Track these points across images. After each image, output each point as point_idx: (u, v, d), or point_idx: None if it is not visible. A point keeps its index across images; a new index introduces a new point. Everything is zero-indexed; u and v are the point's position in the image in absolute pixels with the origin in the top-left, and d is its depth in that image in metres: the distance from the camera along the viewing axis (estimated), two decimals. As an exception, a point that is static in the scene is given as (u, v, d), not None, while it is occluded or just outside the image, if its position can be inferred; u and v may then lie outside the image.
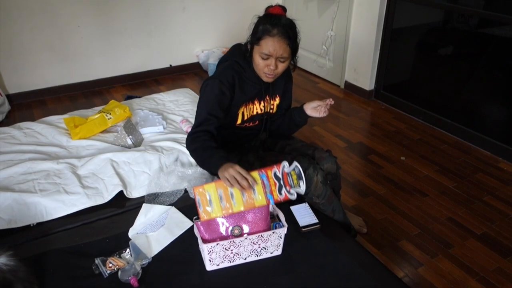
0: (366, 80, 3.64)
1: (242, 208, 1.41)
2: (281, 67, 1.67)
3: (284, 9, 1.66)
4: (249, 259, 1.45)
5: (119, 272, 1.37)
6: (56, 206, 1.73)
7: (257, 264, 1.45)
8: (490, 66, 2.97)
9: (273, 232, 1.43)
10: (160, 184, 1.84)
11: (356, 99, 3.69)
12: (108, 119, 2.29)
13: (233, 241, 1.38)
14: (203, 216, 1.39)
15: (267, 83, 1.77)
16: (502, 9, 2.74)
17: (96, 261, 1.42)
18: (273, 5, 1.67)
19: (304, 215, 1.65)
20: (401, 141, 3.01)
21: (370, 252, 1.61)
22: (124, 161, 2.00)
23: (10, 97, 3.47)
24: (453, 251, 2.05)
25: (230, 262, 1.43)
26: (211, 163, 1.51)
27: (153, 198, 1.80)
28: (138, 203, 1.77)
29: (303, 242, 1.56)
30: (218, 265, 1.42)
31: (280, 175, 1.45)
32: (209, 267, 1.42)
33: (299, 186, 1.45)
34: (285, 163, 1.45)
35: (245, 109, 1.79)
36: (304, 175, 1.68)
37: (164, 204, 1.74)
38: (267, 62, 1.64)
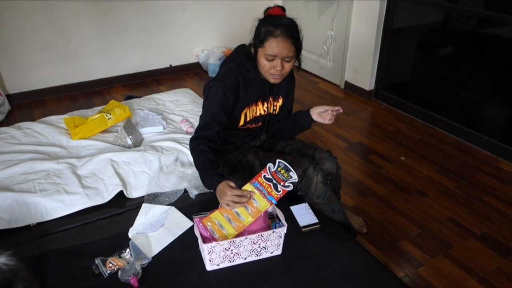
0: (366, 80, 3.64)
1: (250, 219, 1.44)
2: (287, 67, 1.66)
3: (283, 9, 1.65)
4: (249, 259, 1.45)
5: (119, 272, 1.37)
6: (56, 206, 1.73)
7: (257, 264, 1.45)
8: (490, 66, 2.97)
9: (273, 232, 1.43)
10: (160, 184, 1.84)
11: (356, 99, 3.69)
12: (108, 119, 2.29)
13: (233, 241, 1.38)
14: (221, 240, 1.42)
15: (270, 84, 1.77)
16: (502, 9, 2.73)
17: (96, 261, 1.42)
18: (272, 6, 1.67)
19: (304, 215, 1.65)
20: (401, 141, 3.01)
21: (370, 252, 1.61)
22: (124, 161, 2.00)
23: (10, 97, 3.47)
24: (453, 251, 2.05)
25: (230, 262, 1.43)
26: (207, 182, 1.55)
27: (153, 198, 1.80)
28: (138, 203, 1.77)
29: (303, 242, 1.56)
30: (218, 265, 1.42)
31: (270, 176, 1.49)
32: (209, 267, 1.42)
33: (291, 177, 1.49)
34: (270, 165, 1.50)
35: (248, 110, 1.78)
36: (304, 175, 1.69)
37: (163, 204, 1.74)
38: (273, 64, 1.63)
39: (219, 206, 1.71)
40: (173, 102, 2.70)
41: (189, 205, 1.75)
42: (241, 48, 1.77)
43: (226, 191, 1.43)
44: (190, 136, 2.22)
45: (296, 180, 1.50)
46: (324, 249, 1.53)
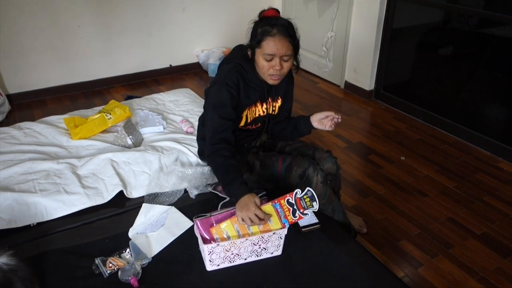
0: (366, 80, 3.64)
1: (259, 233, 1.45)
2: (286, 66, 1.66)
3: (277, 11, 1.67)
4: (249, 259, 1.45)
5: (119, 272, 1.37)
6: (56, 206, 1.73)
7: (257, 264, 1.45)
8: (490, 66, 2.97)
9: (274, 233, 1.43)
10: (160, 184, 1.84)
11: (356, 99, 3.69)
12: (108, 119, 2.29)
13: (233, 242, 1.38)
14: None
15: (269, 85, 1.76)
16: (502, 9, 2.74)
17: (96, 261, 1.42)
18: (266, 8, 1.68)
19: (304, 215, 1.65)
20: (401, 141, 3.01)
21: (370, 252, 1.61)
22: (124, 161, 2.00)
23: (10, 97, 3.47)
24: (453, 251, 2.05)
25: (231, 262, 1.43)
26: (231, 190, 1.50)
27: (153, 198, 1.80)
28: (138, 203, 1.77)
29: (303, 242, 1.56)
30: (218, 265, 1.42)
31: (293, 201, 1.47)
32: (209, 267, 1.42)
33: (312, 206, 1.47)
34: (298, 191, 1.47)
35: (248, 111, 1.78)
36: (304, 176, 1.69)
37: (163, 204, 1.74)
38: (271, 63, 1.63)
39: (219, 206, 1.71)
40: (173, 102, 2.70)
41: (189, 205, 1.75)
42: (239, 49, 1.77)
43: (250, 207, 1.40)
44: (190, 136, 2.24)
45: (316, 210, 1.48)
46: (324, 249, 1.53)
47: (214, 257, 1.39)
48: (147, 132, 2.29)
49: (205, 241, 1.42)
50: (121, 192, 1.84)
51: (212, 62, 4.02)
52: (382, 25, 3.38)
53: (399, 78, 3.61)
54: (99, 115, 2.32)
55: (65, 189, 1.81)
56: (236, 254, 1.42)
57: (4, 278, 1.06)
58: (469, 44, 3.09)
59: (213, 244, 1.36)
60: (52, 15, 3.40)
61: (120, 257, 1.44)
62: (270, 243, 1.45)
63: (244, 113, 1.77)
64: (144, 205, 1.71)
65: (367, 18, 3.42)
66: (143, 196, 1.84)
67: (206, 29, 4.18)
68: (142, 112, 2.46)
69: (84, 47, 3.64)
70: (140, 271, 1.39)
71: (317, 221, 1.64)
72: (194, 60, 4.25)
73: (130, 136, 2.15)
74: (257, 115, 1.82)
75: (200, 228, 1.44)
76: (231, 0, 4.18)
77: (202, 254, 1.43)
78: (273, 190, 1.79)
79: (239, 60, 1.71)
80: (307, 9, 4.01)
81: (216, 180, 1.93)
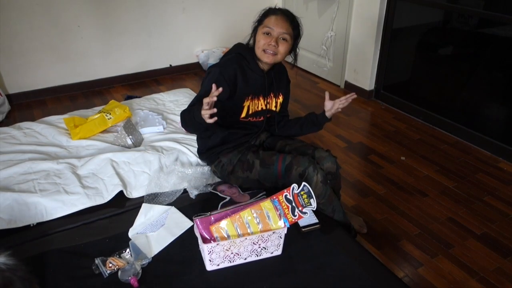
0: (366, 80, 3.64)
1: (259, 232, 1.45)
2: (282, 47, 1.72)
3: None
4: (249, 259, 1.45)
5: (119, 272, 1.37)
6: (56, 206, 1.73)
7: (257, 264, 1.45)
8: (490, 66, 2.97)
9: (273, 232, 1.43)
10: (160, 184, 1.84)
11: (356, 99, 3.66)
12: (108, 119, 2.29)
13: (233, 241, 1.38)
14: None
15: (270, 77, 1.80)
16: (502, 9, 2.73)
17: (96, 261, 1.42)
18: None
19: (304, 215, 1.65)
20: (401, 141, 3.01)
21: (370, 252, 1.61)
22: (124, 161, 2.00)
23: (10, 97, 3.47)
24: (453, 251, 2.05)
25: (230, 262, 1.43)
26: (195, 116, 1.57)
27: (153, 198, 1.80)
28: (138, 203, 1.77)
29: (303, 242, 1.56)
30: (218, 265, 1.42)
31: (291, 198, 1.48)
32: (209, 267, 1.42)
33: (310, 204, 1.48)
34: (294, 186, 1.49)
35: (251, 103, 1.82)
36: (304, 175, 1.69)
37: (163, 204, 1.74)
38: (268, 39, 1.70)
39: (219, 206, 1.71)
40: (173, 102, 2.70)
41: (189, 205, 1.75)
42: (239, 44, 1.84)
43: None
44: (190, 136, 2.24)
45: (314, 209, 1.50)
46: (324, 249, 1.53)
47: (214, 257, 1.39)
48: (147, 132, 2.29)
49: (205, 240, 1.42)
50: (121, 192, 1.84)
51: (212, 62, 4.01)
52: (382, 25, 3.38)
53: (399, 78, 3.61)
54: (99, 115, 2.31)
55: (65, 189, 1.81)
56: (236, 253, 1.42)
57: (3, 277, 1.06)
58: (469, 44, 3.09)
59: (213, 244, 1.37)
60: (52, 15, 3.40)
61: (120, 257, 1.44)
62: (270, 243, 1.44)
63: (246, 104, 1.80)
64: (144, 205, 1.71)
65: (367, 18, 3.42)
66: (143, 196, 1.84)
67: (206, 29, 4.18)
68: (142, 112, 2.46)
69: (84, 47, 3.64)
70: (140, 271, 1.39)
71: (317, 221, 1.64)
72: (194, 60, 4.25)
73: (130, 136, 2.15)
74: (259, 108, 1.86)
75: (200, 227, 1.44)
76: (231, 0, 4.18)
77: (202, 254, 1.43)
78: (273, 189, 1.79)
79: (240, 50, 1.78)
80: (307, 9, 4.01)
81: (216, 180, 1.93)
